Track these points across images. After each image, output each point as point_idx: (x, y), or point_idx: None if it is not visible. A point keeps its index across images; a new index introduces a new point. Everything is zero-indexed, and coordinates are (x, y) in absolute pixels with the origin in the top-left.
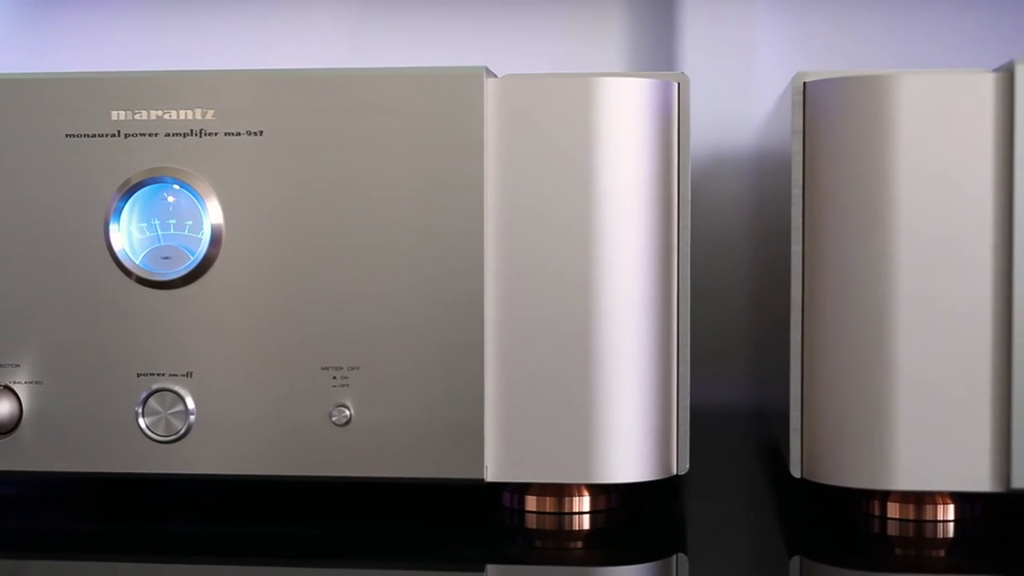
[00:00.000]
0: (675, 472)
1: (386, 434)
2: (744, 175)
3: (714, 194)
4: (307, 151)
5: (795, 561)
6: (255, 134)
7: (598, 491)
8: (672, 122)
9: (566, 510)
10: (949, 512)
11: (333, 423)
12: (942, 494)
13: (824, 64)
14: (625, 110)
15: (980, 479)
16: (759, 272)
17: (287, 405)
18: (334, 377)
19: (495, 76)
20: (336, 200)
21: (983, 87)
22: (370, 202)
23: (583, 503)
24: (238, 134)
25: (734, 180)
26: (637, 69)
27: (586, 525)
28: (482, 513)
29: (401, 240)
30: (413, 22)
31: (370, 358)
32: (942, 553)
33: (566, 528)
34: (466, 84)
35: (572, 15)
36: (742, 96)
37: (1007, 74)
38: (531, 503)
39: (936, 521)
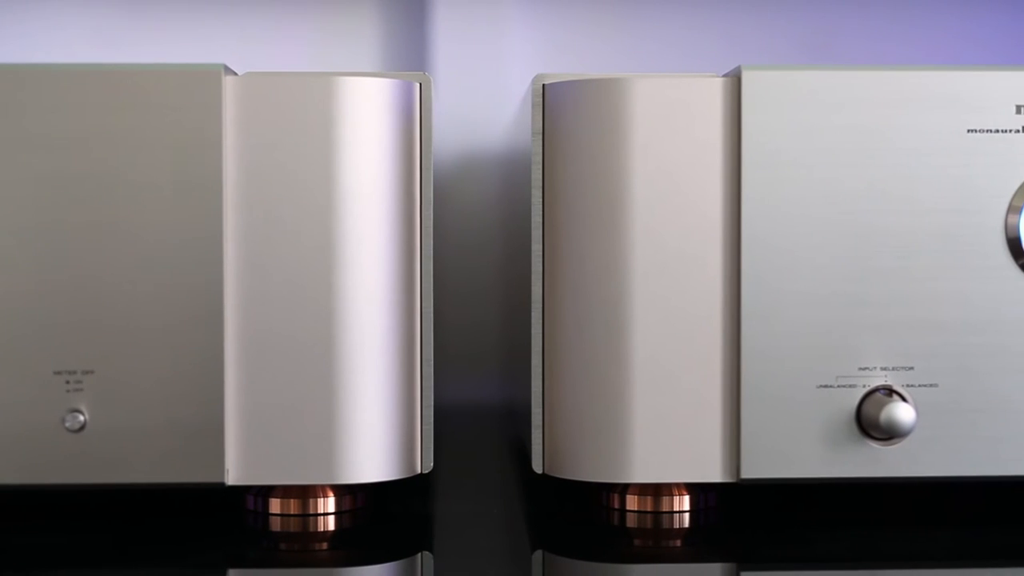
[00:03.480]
0: (419, 471)
1: (123, 439)
2: (494, 176)
3: (465, 195)
4: (41, 148)
5: (538, 555)
6: None
7: (343, 491)
8: (414, 122)
9: (311, 511)
10: (685, 503)
11: (66, 429)
12: (678, 485)
13: (574, 67)
14: (365, 110)
15: (712, 470)
16: (509, 272)
17: (18, 411)
18: (67, 381)
19: (235, 74)
20: (71, 199)
21: (712, 91)
22: (106, 201)
23: (328, 504)
24: None
25: (485, 181)
26: (391, 70)
27: (331, 526)
28: (226, 517)
29: (137, 240)
30: (161, 21)
31: (105, 361)
32: (678, 543)
33: (311, 529)
34: (203, 82)
35: (326, 14)
36: (493, 97)
37: (735, 79)
38: (275, 505)
39: (672, 512)
